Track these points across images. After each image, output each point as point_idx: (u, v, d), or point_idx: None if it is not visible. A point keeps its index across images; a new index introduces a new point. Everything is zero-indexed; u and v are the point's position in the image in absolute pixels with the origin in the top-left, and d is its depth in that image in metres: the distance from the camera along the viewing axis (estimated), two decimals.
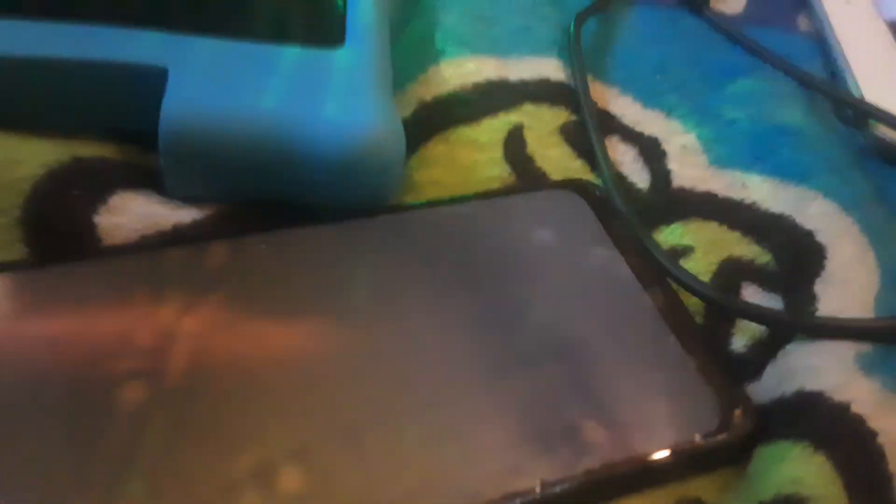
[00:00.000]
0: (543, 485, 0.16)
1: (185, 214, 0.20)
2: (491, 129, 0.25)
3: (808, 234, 0.22)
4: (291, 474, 0.15)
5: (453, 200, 0.22)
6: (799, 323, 0.20)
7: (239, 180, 0.20)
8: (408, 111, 0.25)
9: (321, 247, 0.20)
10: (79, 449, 0.15)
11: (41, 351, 0.16)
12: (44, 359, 0.16)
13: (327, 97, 0.20)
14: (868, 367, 0.18)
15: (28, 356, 0.16)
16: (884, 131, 0.27)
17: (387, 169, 0.20)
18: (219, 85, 0.20)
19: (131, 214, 0.19)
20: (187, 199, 0.20)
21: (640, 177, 0.25)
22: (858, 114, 0.28)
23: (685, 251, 0.23)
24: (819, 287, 0.21)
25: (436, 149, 0.24)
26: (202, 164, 0.20)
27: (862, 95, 0.28)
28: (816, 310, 0.20)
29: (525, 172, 0.24)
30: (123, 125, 0.21)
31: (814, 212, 0.23)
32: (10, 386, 0.16)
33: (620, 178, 0.25)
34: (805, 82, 0.29)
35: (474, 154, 0.24)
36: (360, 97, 0.20)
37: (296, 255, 0.20)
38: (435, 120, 0.25)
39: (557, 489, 0.16)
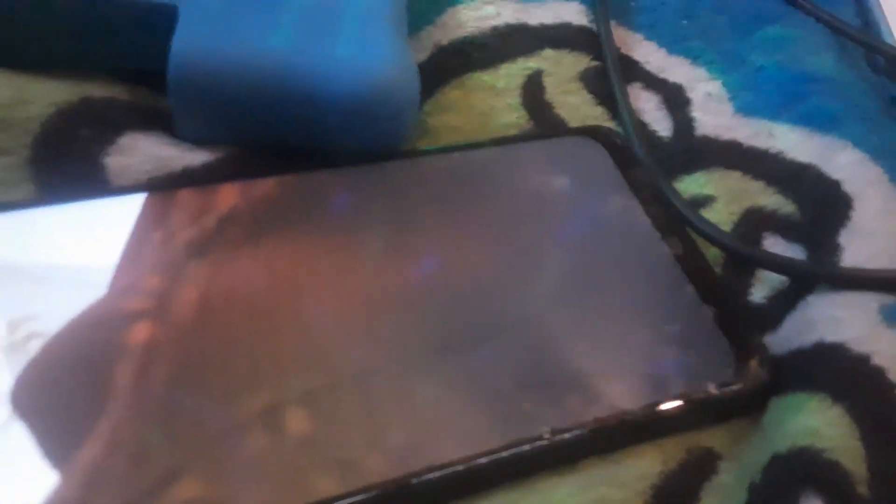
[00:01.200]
0: (553, 432, 0.16)
1: (196, 157, 0.19)
2: (509, 75, 0.24)
3: (835, 184, 0.22)
4: (299, 416, 0.15)
5: (469, 146, 0.22)
6: (821, 273, 0.19)
7: (250, 122, 0.20)
8: (423, 55, 0.24)
9: (334, 190, 0.20)
10: (86, 387, 0.15)
11: (49, 287, 0.16)
12: (51, 295, 0.16)
13: (340, 37, 0.20)
14: (892, 318, 0.18)
15: (35, 292, 0.16)
16: None
17: (401, 111, 0.20)
18: (229, 23, 0.19)
19: (140, 155, 0.19)
20: (198, 142, 0.20)
21: (662, 125, 0.24)
22: (891, 62, 0.27)
23: (706, 200, 0.22)
24: (844, 238, 0.20)
25: (451, 94, 0.24)
26: (212, 104, 0.19)
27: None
28: (840, 260, 0.19)
29: (543, 119, 0.24)
30: (133, 65, 0.21)
31: (842, 161, 0.22)
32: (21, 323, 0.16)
33: (642, 126, 0.24)
34: (836, 29, 0.27)
35: (491, 100, 0.24)
36: (372, 37, 0.20)
37: (308, 198, 0.19)
38: (451, 64, 0.24)
39: (567, 436, 0.16)
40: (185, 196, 0.19)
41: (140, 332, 0.16)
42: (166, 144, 0.20)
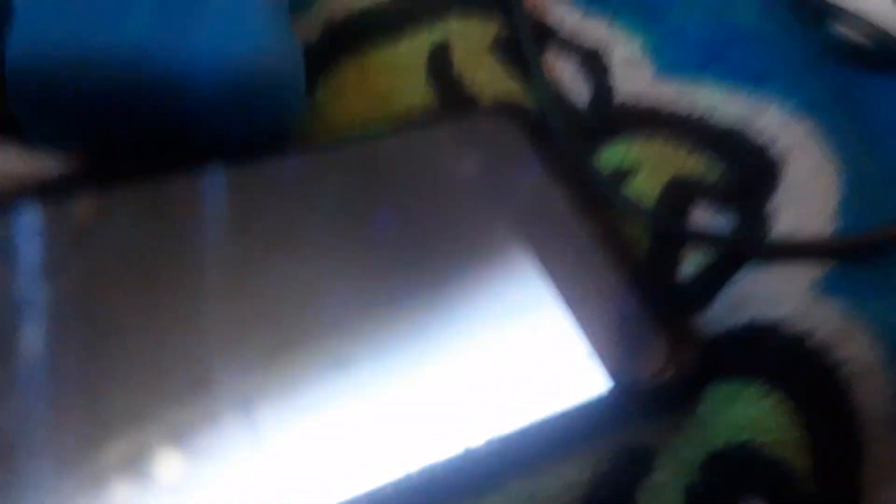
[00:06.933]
0: (467, 451, 0.14)
1: (50, 165, 0.17)
2: (411, 50, 0.22)
3: (763, 146, 0.20)
4: (169, 461, 0.13)
5: (368, 135, 0.20)
6: (751, 246, 0.18)
7: (108, 122, 0.17)
8: (314, 33, 0.22)
9: (211, 195, 0.17)
10: None
11: None
12: None
13: (203, 19, 0.17)
14: (829, 289, 0.17)
15: None
16: (845, 29, 0.25)
17: (280, 100, 0.18)
18: (76, 11, 0.17)
19: None
20: (51, 148, 0.17)
21: (579, 94, 0.23)
22: (816, 12, 0.25)
23: (628, 172, 0.20)
24: (774, 203, 0.19)
25: (347, 75, 0.21)
26: (61, 105, 0.17)
27: None
28: (771, 228, 0.18)
29: (452, 97, 0.22)
30: None
31: (769, 119, 0.21)
32: None
33: (558, 98, 0.22)
34: None
35: (393, 80, 0.22)
36: (241, 17, 0.17)
37: (181, 206, 0.17)
38: (345, 41, 0.22)
39: (482, 454, 0.14)
40: (38, 213, 0.16)
41: None
42: (13, 153, 0.17)
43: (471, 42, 0.23)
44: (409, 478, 0.14)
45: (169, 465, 0.13)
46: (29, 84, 0.16)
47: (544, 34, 0.24)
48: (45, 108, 0.17)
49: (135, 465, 0.13)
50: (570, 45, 0.24)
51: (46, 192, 0.17)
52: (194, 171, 0.18)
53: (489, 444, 0.14)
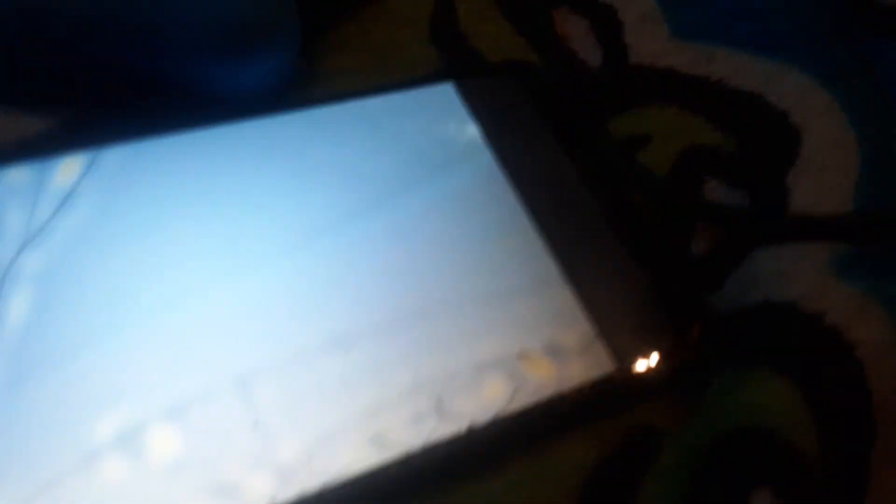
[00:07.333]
0: (471, 429, 0.14)
1: (28, 124, 0.16)
2: (415, 2, 0.21)
3: (781, 116, 0.19)
4: (164, 436, 0.13)
5: (367, 92, 0.19)
6: (766, 223, 0.17)
7: (85, 75, 0.16)
8: None
9: (198, 156, 0.16)
10: None
11: None
12: None
13: None
14: (845, 269, 0.16)
15: None
16: None
17: (272, 51, 0.17)
18: None
19: None
20: (30, 105, 0.16)
21: (592, 54, 0.22)
22: None
23: (641, 141, 0.20)
24: (791, 177, 0.18)
25: (347, 28, 0.20)
26: (33, 56, 0.16)
27: None
28: (788, 205, 0.17)
29: (456, 53, 0.21)
30: None
31: (788, 88, 0.20)
32: None
33: (569, 57, 0.21)
34: None
35: (394, 33, 0.21)
36: None
37: (167, 167, 0.16)
38: None
39: (487, 433, 0.14)
40: (19, 174, 0.15)
41: None
42: None
43: None
44: (412, 456, 0.13)
45: (161, 440, 0.13)
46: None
47: None
48: (18, 60, 0.16)
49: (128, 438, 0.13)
50: (583, 2, 0.23)
51: (25, 151, 0.16)
52: (184, 129, 0.17)
53: (492, 422, 0.14)
